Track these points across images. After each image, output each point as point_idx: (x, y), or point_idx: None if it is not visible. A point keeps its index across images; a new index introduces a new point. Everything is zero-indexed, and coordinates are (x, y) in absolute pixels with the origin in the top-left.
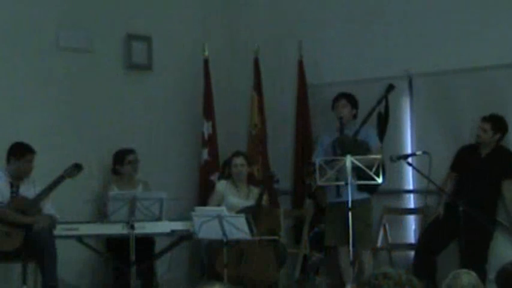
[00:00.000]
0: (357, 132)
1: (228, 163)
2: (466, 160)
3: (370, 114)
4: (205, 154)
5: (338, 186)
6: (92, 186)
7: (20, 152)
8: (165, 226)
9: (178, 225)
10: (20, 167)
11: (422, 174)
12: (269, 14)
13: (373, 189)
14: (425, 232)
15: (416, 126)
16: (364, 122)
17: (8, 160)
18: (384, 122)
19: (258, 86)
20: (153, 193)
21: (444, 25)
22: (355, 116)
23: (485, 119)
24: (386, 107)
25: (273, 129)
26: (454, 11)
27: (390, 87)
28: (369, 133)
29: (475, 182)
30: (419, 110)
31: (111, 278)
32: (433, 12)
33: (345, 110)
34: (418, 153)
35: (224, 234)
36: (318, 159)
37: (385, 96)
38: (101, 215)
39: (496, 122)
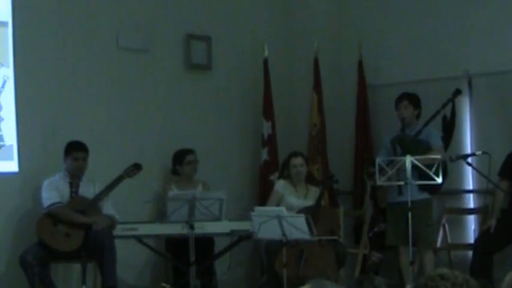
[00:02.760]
0: (419, 132)
1: (286, 163)
2: None
3: (434, 116)
4: (264, 154)
5: (399, 186)
6: (151, 186)
7: (69, 149)
8: (224, 226)
9: (237, 225)
10: (69, 165)
11: (481, 174)
12: (329, 14)
13: (434, 189)
14: (483, 233)
15: (476, 126)
16: (427, 123)
17: (64, 159)
18: (450, 126)
19: (317, 86)
20: (212, 193)
21: (504, 24)
22: (418, 116)
23: None
24: (453, 112)
25: (332, 129)
26: None
27: (457, 92)
28: (431, 133)
29: None
30: (479, 110)
31: (171, 278)
32: (493, 11)
33: (407, 111)
34: (477, 153)
35: (284, 234)
36: (378, 159)
37: (451, 101)
38: (161, 215)
39: None
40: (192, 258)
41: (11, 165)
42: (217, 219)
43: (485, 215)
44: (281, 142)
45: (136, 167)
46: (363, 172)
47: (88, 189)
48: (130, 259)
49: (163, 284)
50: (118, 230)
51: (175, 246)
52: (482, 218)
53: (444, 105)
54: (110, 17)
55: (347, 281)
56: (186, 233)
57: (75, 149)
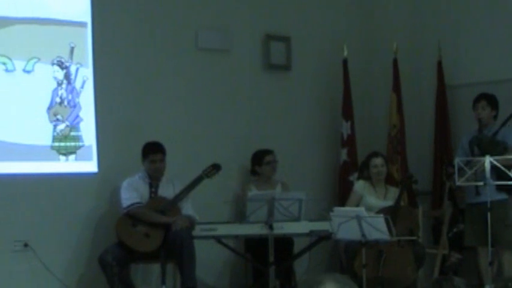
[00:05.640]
0: (496, 133)
1: (366, 164)
2: None
3: (510, 116)
4: (344, 154)
5: (477, 186)
6: (230, 187)
7: (144, 152)
8: (303, 226)
9: (317, 226)
10: (147, 167)
11: None
12: (408, 15)
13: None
14: None
15: None
16: (504, 124)
17: (142, 161)
18: None
19: (396, 87)
20: (291, 193)
21: None
22: (495, 117)
23: None
24: None
25: (411, 130)
26: None
27: None
28: (508, 134)
29: None
30: None
31: (250, 279)
32: None
33: (485, 112)
34: None
35: (363, 234)
36: (457, 160)
37: None
38: (240, 216)
39: None
40: (271, 259)
41: (90, 166)
42: (297, 219)
43: None
44: (360, 142)
45: (216, 168)
46: (442, 172)
47: (167, 190)
48: (209, 260)
49: None
50: (197, 230)
51: (254, 246)
52: None
53: None
54: (189, 17)
55: (426, 281)
56: (266, 234)
57: (152, 151)
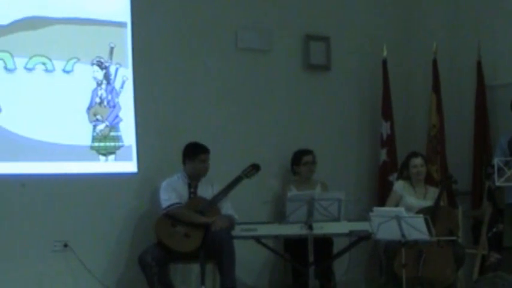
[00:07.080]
0: None
1: (405, 164)
2: None
3: None
4: (383, 154)
5: None
6: (270, 187)
7: (193, 152)
8: (343, 226)
9: (356, 226)
10: (195, 168)
11: None
12: (448, 15)
13: None
14: None
15: None
16: None
17: (184, 161)
18: None
19: (436, 87)
20: (331, 193)
21: None
22: None
23: None
24: None
25: (451, 130)
26: None
27: None
28: None
29: None
30: None
31: (289, 279)
32: None
33: None
34: None
35: (402, 235)
36: (496, 160)
37: None
38: (280, 216)
39: None
40: (311, 259)
41: (130, 166)
42: (336, 219)
43: None
44: (400, 143)
45: (255, 168)
46: (482, 173)
47: (206, 190)
48: (249, 260)
49: None
50: (237, 231)
51: (294, 246)
52: None
53: None
54: (229, 17)
55: (465, 281)
56: (305, 234)
57: (203, 151)
